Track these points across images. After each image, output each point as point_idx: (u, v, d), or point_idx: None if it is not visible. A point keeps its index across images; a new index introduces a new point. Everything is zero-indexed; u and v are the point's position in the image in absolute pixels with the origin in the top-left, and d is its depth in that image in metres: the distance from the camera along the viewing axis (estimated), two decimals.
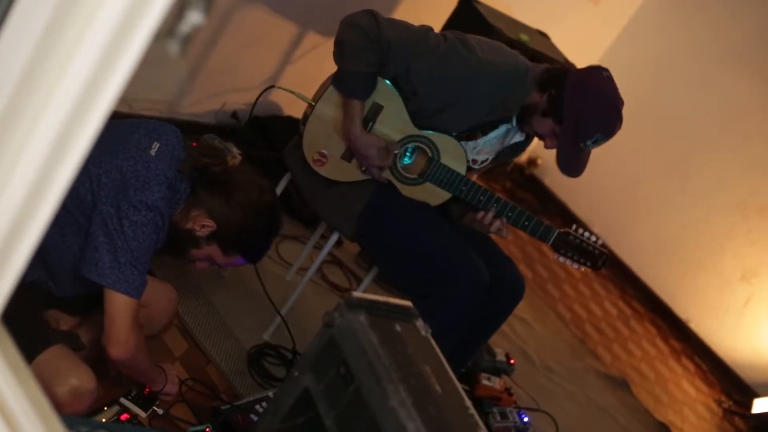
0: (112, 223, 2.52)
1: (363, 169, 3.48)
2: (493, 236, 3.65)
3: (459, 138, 3.45)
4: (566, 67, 3.37)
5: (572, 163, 3.36)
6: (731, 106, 6.77)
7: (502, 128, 3.47)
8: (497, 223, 3.42)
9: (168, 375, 3.04)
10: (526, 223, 3.43)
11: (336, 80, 3.40)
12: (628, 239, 6.93)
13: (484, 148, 3.51)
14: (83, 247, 2.56)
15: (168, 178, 2.61)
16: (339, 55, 3.32)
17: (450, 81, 3.30)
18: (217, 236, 2.76)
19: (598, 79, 3.30)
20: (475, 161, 3.52)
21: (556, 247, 3.46)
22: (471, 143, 3.47)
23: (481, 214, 3.44)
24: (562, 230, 3.45)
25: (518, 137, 3.51)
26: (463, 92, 3.32)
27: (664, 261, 7.07)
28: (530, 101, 3.35)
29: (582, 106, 3.24)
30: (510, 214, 3.43)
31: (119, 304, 2.56)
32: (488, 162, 3.57)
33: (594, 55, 6.96)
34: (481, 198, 3.43)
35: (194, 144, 3.41)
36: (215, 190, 2.73)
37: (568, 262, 3.48)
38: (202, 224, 2.73)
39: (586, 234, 3.46)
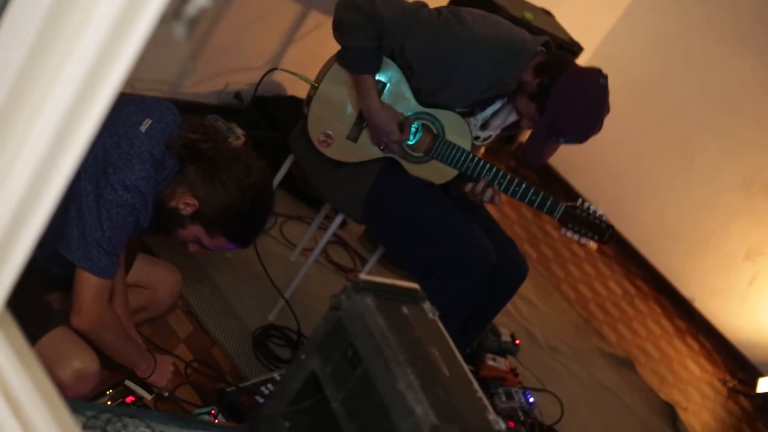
0: (87, 200, 2.47)
1: (381, 147, 3.46)
2: (496, 216, 3.64)
3: (461, 115, 3.44)
4: (569, 58, 3.35)
5: (539, 153, 3.39)
6: (736, 85, 6.74)
7: (498, 103, 3.46)
8: (489, 192, 3.41)
9: (158, 366, 2.93)
10: (533, 198, 3.42)
11: (342, 60, 3.38)
12: (632, 218, 6.91)
13: (487, 125, 3.49)
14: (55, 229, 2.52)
15: (154, 156, 2.55)
16: (339, 34, 3.32)
17: (444, 57, 3.29)
18: (200, 216, 2.69)
19: (590, 84, 3.28)
20: (477, 137, 3.51)
21: (563, 222, 3.46)
22: (471, 119, 3.47)
23: (470, 185, 3.43)
24: (568, 204, 3.45)
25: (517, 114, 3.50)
26: (458, 68, 3.30)
27: (668, 240, 7.06)
28: (525, 79, 3.32)
29: (564, 107, 3.24)
30: (517, 189, 3.42)
31: (83, 279, 2.53)
32: (491, 138, 3.56)
33: (598, 34, 6.91)
34: (488, 174, 3.41)
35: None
36: (201, 168, 2.66)
37: (576, 236, 3.48)
38: (185, 202, 2.66)
39: (592, 208, 3.46)
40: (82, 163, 2.45)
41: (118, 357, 2.80)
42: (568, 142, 3.29)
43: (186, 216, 2.69)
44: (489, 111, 3.47)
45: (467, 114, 3.46)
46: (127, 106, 2.63)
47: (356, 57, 3.33)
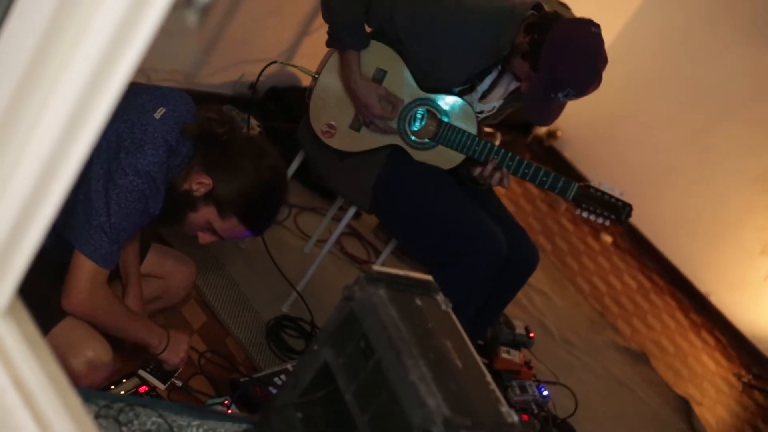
0: (97, 183, 2.45)
1: (367, 123, 3.44)
2: (511, 208, 3.62)
3: (462, 93, 3.42)
4: (559, 15, 3.31)
5: (541, 112, 3.35)
6: (752, 78, 6.69)
7: (495, 72, 3.43)
8: (498, 175, 3.39)
9: (172, 342, 2.85)
10: (545, 179, 3.40)
11: (329, 39, 3.40)
12: (648, 213, 6.87)
13: (487, 95, 3.47)
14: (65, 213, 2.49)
15: (167, 142, 2.53)
16: (326, 10, 3.34)
17: (433, 29, 3.28)
18: (213, 197, 2.64)
19: (582, 33, 3.22)
20: (482, 111, 3.49)
21: (577, 202, 3.43)
22: (473, 94, 3.45)
23: (479, 168, 3.42)
24: (582, 183, 3.42)
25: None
26: (450, 41, 3.28)
27: (684, 234, 7.02)
28: (517, 41, 3.27)
29: (558, 57, 3.17)
30: (527, 170, 3.40)
31: (79, 263, 2.50)
32: (496, 109, 3.53)
33: (615, 27, 6.89)
34: (496, 156, 3.40)
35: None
36: (216, 150, 2.64)
37: (592, 217, 3.45)
38: (199, 182, 2.62)
39: (607, 186, 3.43)
40: (95, 148, 2.44)
41: (126, 336, 2.76)
42: (569, 96, 3.20)
43: (198, 197, 2.65)
44: (487, 81, 3.44)
45: (468, 90, 3.44)
46: (140, 95, 2.61)
47: (343, 32, 3.34)
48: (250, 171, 2.65)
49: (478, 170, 3.41)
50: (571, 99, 3.24)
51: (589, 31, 3.22)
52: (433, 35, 3.28)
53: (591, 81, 3.21)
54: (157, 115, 2.56)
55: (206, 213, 2.68)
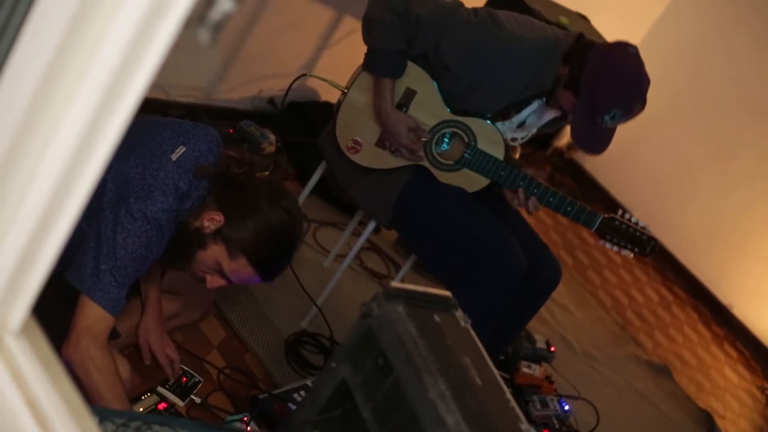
0: (106, 229, 2.42)
1: (393, 149, 3.43)
2: (531, 221, 3.60)
3: (494, 119, 3.40)
4: (595, 41, 3.30)
5: (589, 139, 3.30)
6: None
7: (535, 104, 3.41)
8: (532, 201, 3.38)
9: None
10: (569, 209, 3.37)
11: (366, 61, 3.38)
12: (670, 224, 6.84)
13: (522, 125, 3.45)
14: (74, 250, 2.45)
15: (178, 189, 2.50)
16: (368, 33, 3.31)
17: (480, 58, 3.25)
18: (223, 233, 2.58)
19: (621, 54, 3.22)
20: (514, 139, 3.47)
21: (601, 233, 3.38)
22: (507, 123, 3.42)
23: (510, 194, 3.41)
24: (606, 215, 3.37)
25: (555, 112, 3.44)
26: (494, 70, 3.26)
27: (706, 246, 6.98)
28: (559, 73, 3.26)
29: (600, 79, 3.16)
30: (551, 199, 3.37)
31: (86, 310, 2.44)
32: (527, 137, 3.51)
33: (635, 38, 6.86)
34: (521, 183, 3.37)
35: (231, 131, 3.30)
36: (231, 187, 2.60)
37: (615, 248, 3.40)
38: (210, 218, 2.57)
39: (633, 219, 3.38)
40: (106, 192, 2.42)
41: (99, 401, 2.47)
42: (615, 118, 3.17)
43: (208, 234, 2.59)
44: (525, 113, 3.42)
45: (502, 117, 3.42)
46: (163, 131, 2.59)
47: (381, 58, 3.32)
48: (265, 210, 2.60)
49: (510, 195, 3.41)
50: (618, 122, 3.21)
51: (627, 51, 3.22)
52: (480, 64, 3.25)
53: (636, 99, 3.20)
54: (174, 156, 2.53)
55: (215, 252, 2.61)
